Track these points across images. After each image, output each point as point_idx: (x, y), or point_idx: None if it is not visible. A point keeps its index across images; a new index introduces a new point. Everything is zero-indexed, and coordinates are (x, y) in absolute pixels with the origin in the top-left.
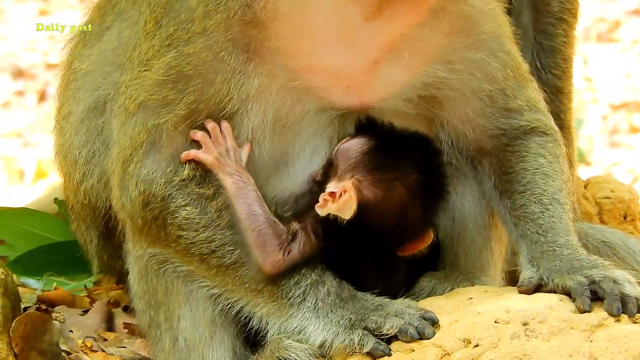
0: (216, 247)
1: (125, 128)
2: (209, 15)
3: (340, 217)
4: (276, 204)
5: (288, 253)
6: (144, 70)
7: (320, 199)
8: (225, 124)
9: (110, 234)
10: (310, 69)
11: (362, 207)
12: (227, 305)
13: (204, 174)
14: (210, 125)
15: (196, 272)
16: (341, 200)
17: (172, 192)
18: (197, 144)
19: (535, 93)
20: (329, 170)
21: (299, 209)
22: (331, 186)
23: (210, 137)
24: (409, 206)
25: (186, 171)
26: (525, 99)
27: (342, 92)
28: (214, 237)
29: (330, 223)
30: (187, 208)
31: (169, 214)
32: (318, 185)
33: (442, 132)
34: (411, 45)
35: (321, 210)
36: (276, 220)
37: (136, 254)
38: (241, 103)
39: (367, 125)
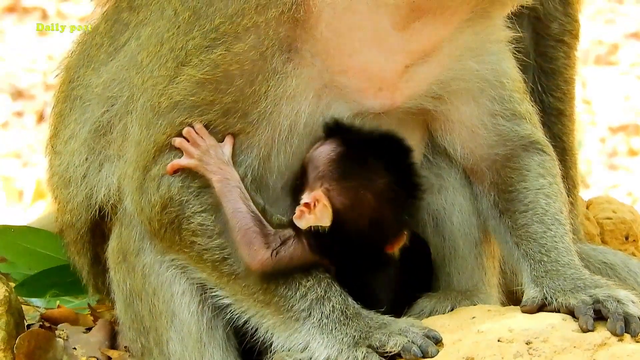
0: (228, 255)
1: (150, 128)
2: (262, 10)
3: (322, 226)
4: (289, 214)
5: (276, 254)
6: (181, 67)
7: (297, 210)
8: (197, 125)
9: (99, 260)
10: (348, 70)
11: (335, 214)
12: (212, 322)
13: None
14: (185, 129)
15: (208, 280)
16: (317, 210)
17: (189, 198)
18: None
19: (531, 108)
20: (302, 178)
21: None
22: (305, 197)
23: (189, 141)
24: (378, 210)
25: (204, 180)
26: (527, 109)
27: (374, 94)
28: (227, 244)
29: (313, 231)
30: (203, 214)
31: (184, 218)
32: (294, 194)
33: (448, 139)
34: (441, 50)
35: (300, 223)
36: (262, 219)
37: (120, 277)
38: (274, 105)
39: (335, 129)
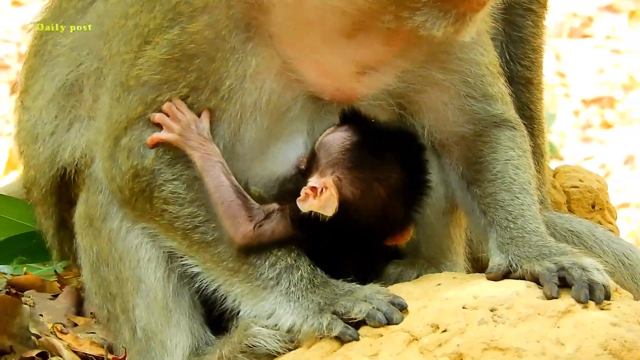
0: (199, 223)
1: (121, 103)
2: None
3: (322, 215)
4: (262, 186)
5: (259, 227)
6: (145, 45)
7: (302, 192)
8: (177, 100)
9: (66, 225)
10: (304, 61)
11: (342, 204)
12: (178, 289)
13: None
14: (165, 105)
15: (178, 248)
16: (323, 198)
17: (161, 167)
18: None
19: (505, 88)
20: (311, 162)
21: (283, 192)
22: (312, 180)
23: (169, 116)
24: (388, 204)
25: (177, 151)
26: (499, 90)
27: (331, 93)
28: (198, 212)
29: (312, 217)
30: (174, 182)
31: (156, 186)
32: (301, 175)
33: (417, 119)
34: (397, 60)
35: (303, 206)
36: (245, 193)
37: (87, 244)
38: (239, 82)
39: (350, 116)
